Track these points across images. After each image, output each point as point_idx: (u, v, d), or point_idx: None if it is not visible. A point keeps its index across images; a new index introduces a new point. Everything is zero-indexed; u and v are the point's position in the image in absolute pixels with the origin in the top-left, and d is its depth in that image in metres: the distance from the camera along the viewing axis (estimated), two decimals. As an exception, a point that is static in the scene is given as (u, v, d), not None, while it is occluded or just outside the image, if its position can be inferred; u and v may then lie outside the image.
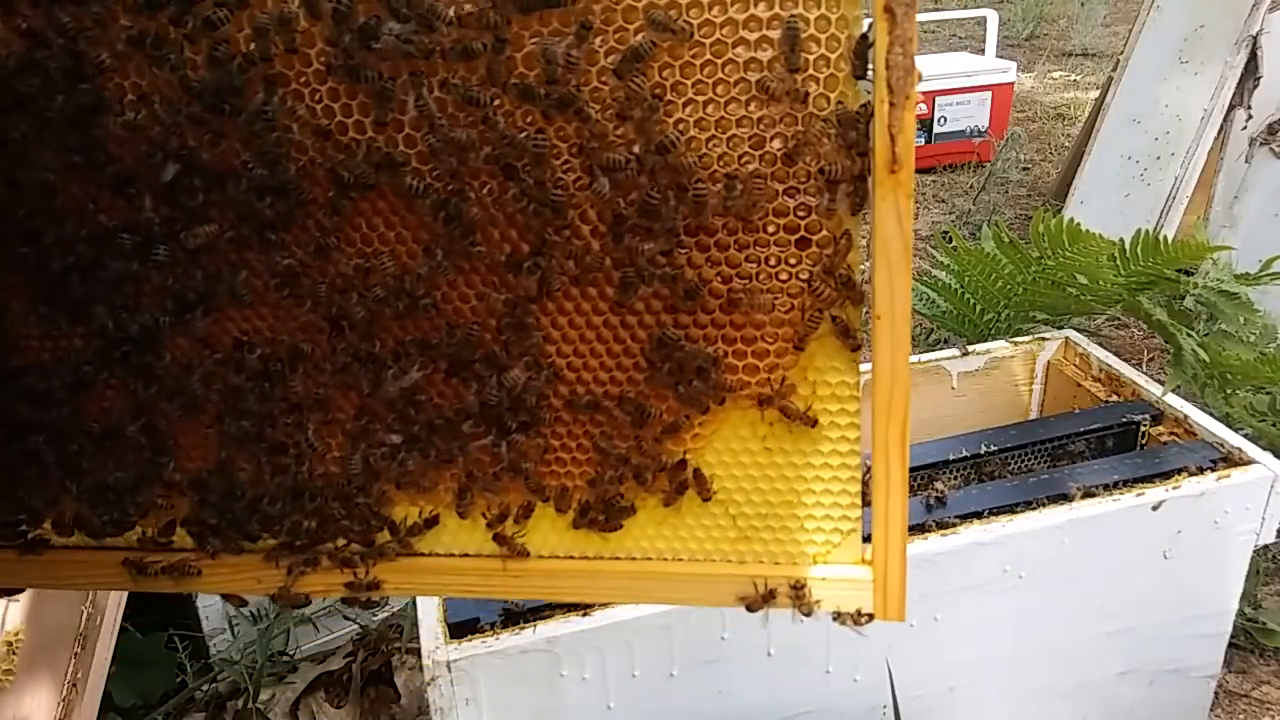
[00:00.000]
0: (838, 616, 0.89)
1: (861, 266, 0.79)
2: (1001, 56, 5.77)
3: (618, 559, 0.93)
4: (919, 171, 5.45)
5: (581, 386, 0.87)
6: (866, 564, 0.87)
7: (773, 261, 0.80)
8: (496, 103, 0.77)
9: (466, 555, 0.95)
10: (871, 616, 0.88)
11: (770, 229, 0.79)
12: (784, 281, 0.80)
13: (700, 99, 0.76)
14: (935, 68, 5.60)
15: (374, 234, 0.84)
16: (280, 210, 0.82)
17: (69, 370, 0.91)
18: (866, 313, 0.80)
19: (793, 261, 0.80)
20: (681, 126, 0.77)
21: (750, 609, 0.90)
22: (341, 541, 0.96)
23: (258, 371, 0.89)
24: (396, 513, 0.94)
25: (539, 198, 0.79)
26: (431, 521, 0.94)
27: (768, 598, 0.89)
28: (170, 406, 0.92)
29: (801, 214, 0.78)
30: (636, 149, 0.77)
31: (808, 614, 0.89)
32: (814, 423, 0.84)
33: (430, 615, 1.45)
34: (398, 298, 0.84)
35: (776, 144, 0.76)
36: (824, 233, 0.78)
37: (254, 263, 0.86)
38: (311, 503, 0.94)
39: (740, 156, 0.77)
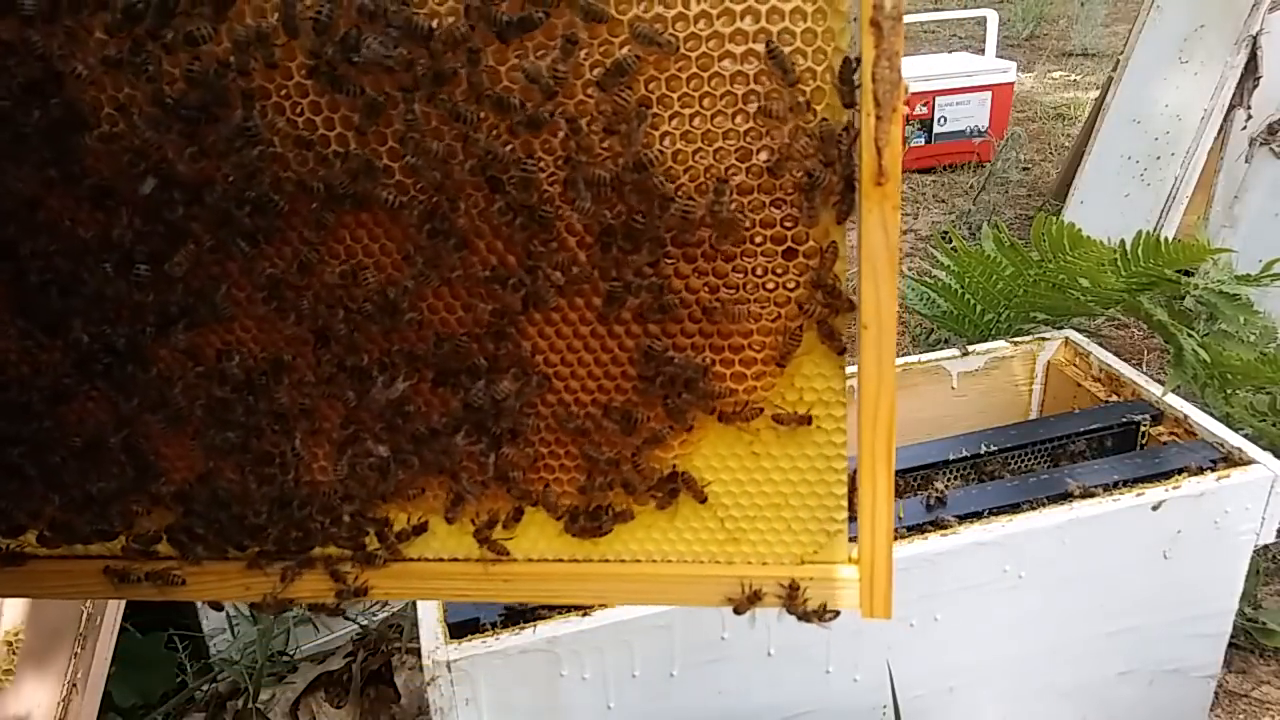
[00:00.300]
0: (805, 616, 0.90)
1: (851, 270, 0.79)
2: (1001, 56, 5.77)
3: (607, 561, 0.94)
4: (919, 171, 5.50)
5: (569, 395, 0.87)
6: (853, 563, 0.88)
7: (760, 272, 0.80)
8: (482, 116, 0.77)
9: (456, 560, 0.95)
10: (837, 613, 0.90)
11: (757, 240, 0.79)
12: (771, 291, 0.81)
13: (687, 112, 0.76)
14: (935, 68, 5.60)
15: (358, 246, 0.83)
16: (262, 224, 0.81)
17: (48, 383, 0.90)
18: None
19: (780, 271, 0.80)
20: (668, 140, 0.77)
21: (737, 611, 0.91)
22: (330, 549, 0.95)
23: (242, 383, 0.88)
24: (385, 520, 0.94)
25: (525, 211, 0.79)
26: (420, 528, 0.94)
27: (754, 598, 0.90)
28: (153, 418, 0.91)
29: (788, 225, 0.78)
30: (620, 163, 0.77)
31: (795, 614, 0.90)
32: (809, 420, 0.85)
33: (430, 615, 1.45)
34: (383, 311, 0.84)
35: (763, 156, 0.77)
36: (810, 243, 0.79)
37: (236, 275, 0.85)
38: (299, 512, 0.93)
39: (727, 169, 0.77)
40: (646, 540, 0.92)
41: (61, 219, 0.83)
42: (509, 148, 0.77)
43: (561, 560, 0.94)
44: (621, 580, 0.94)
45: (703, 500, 0.89)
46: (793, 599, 0.90)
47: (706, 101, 0.75)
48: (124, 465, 0.93)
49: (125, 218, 0.82)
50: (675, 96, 0.76)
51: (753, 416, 0.85)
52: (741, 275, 0.81)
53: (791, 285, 0.80)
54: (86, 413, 0.92)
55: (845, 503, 0.88)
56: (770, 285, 0.81)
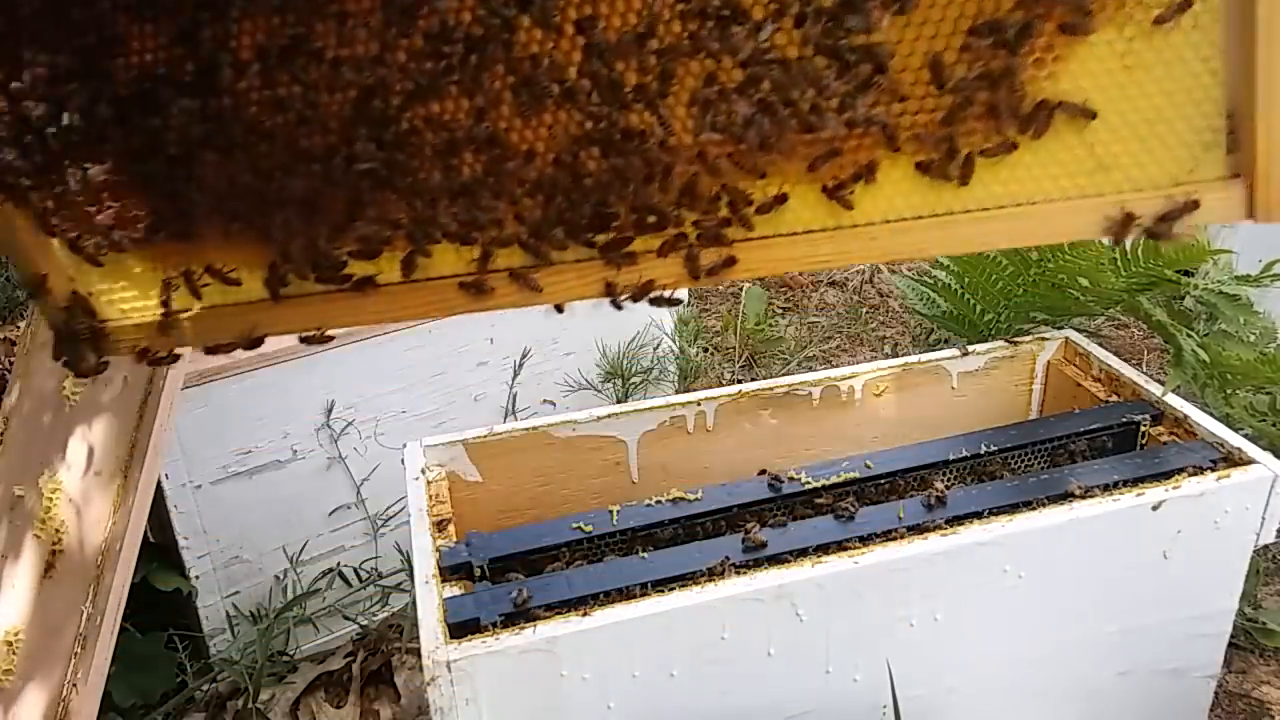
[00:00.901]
0: (1166, 235, 0.86)
1: None
2: (1001, 57, 5.75)
3: (969, 212, 0.90)
4: (919, 172, 5.48)
5: (934, 16, 0.84)
6: (1233, 178, 0.84)
7: None
8: None
9: (810, 231, 0.92)
10: (1181, 237, 0.87)
11: None
12: None
13: None
14: (935, 68, 5.58)
15: None
16: None
17: (410, 80, 0.89)
18: None
19: None
20: None
21: (1115, 239, 0.88)
22: (688, 229, 0.93)
23: (605, 49, 0.85)
24: (743, 193, 0.92)
25: None
26: (781, 198, 0.91)
27: (1128, 221, 0.86)
28: (513, 101, 0.89)
29: None
30: None
31: (1160, 234, 0.86)
32: (1190, 3, 0.80)
33: (430, 615, 1.45)
34: None
35: None
36: None
37: None
38: (660, 184, 0.90)
39: None
40: (1010, 182, 0.88)
41: None
42: None
43: (921, 217, 0.90)
44: (988, 222, 0.89)
45: (1091, 116, 0.84)
46: (1169, 217, 0.85)
47: None
48: (483, 159, 0.92)
49: None
50: None
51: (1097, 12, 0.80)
52: None
53: None
54: (445, 109, 0.91)
55: (1223, 109, 0.82)
56: None
